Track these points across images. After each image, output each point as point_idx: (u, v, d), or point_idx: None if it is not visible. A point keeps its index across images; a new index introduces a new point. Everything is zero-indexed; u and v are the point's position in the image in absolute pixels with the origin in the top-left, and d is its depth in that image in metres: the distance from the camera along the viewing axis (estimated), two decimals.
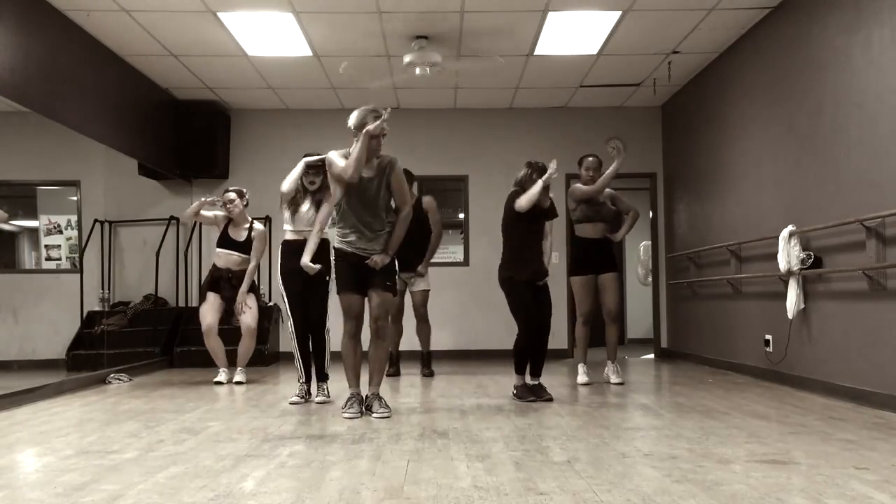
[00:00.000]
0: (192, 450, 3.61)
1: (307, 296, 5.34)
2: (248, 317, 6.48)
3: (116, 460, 3.39)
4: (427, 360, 7.15)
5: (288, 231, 5.51)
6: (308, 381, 5.41)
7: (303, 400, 5.30)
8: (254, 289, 6.63)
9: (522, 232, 5.25)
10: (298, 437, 3.95)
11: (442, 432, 4.04)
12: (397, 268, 4.80)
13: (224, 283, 6.49)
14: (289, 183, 5.55)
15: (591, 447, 3.59)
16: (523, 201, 5.12)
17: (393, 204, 4.68)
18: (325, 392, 5.38)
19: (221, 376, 6.53)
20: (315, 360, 5.48)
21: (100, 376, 6.62)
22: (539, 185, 5.11)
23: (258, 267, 6.66)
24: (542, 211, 5.26)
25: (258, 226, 6.61)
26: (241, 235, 6.51)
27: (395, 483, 2.93)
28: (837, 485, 2.84)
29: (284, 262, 5.40)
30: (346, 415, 4.54)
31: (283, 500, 2.70)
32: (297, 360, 5.44)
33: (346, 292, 4.63)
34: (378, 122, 4.41)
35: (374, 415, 4.54)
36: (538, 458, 3.36)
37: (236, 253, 6.50)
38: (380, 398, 4.67)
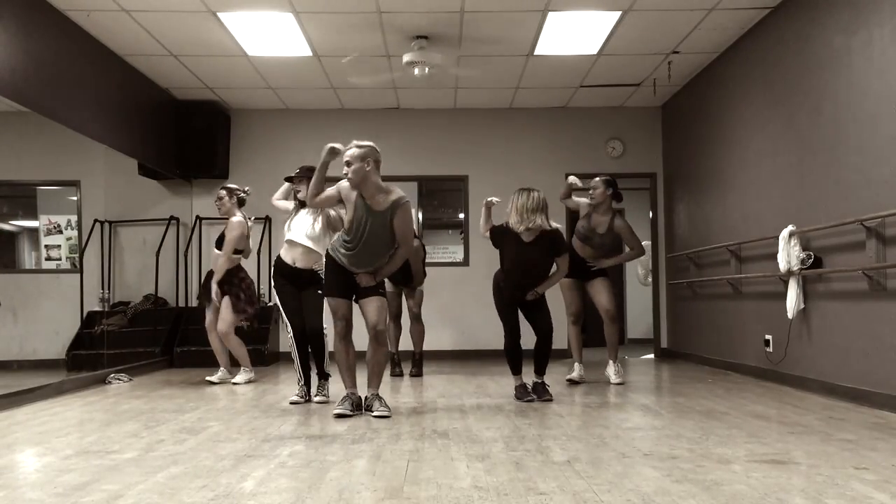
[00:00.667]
0: (192, 450, 3.61)
1: (302, 306, 5.40)
2: (220, 323, 6.40)
3: (116, 460, 3.39)
4: (418, 361, 7.15)
5: (284, 245, 5.49)
6: (307, 383, 5.42)
7: (303, 400, 5.31)
8: (229, 290, 6.38)
9: (512, 257, 5.21)
10: (298, 437, 3.95)
11: (442, 432, 4.04)
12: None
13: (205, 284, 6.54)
14: (278, 194, 5.89)
15: (591, 447, 3.59)
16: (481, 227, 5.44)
17: None
18: (325, 392, 5.39)
19: (215, 376, 6.52)
20: (315, 362, 5.49)
21: (100, 376, 6.62)
22: (482, 212, 5.42)
23: (233, 261, 6.41)
24: (538, 242, 5.16)
25: (233, 218, 6.38)
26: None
27: (395, 483, 2.93)
28: (837, 485, 2.84)
29: (277, 282, 5.45)
30: (336, 411, 4.56)
31: (283, 500, 2.70)
32: (297, 364, 5.44)
33: (333, 296, 4.70)
34: (326, 150, 4.49)
35: (374, 414, 4.54)
36: (538, 458, 3.36)
37: (217, 250, 6.44)
38: (379, 398, 4.68)
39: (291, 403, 5.22)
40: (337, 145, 4.51)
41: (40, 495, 2.81)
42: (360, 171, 4.47)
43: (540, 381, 5.29)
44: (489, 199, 5.45)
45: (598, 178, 6.20)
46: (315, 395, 5.36)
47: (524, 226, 5.05)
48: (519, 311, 5.35)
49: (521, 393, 5.24)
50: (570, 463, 3.24)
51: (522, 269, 5.22)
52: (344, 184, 4.58)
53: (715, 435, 3.87)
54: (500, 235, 5.26)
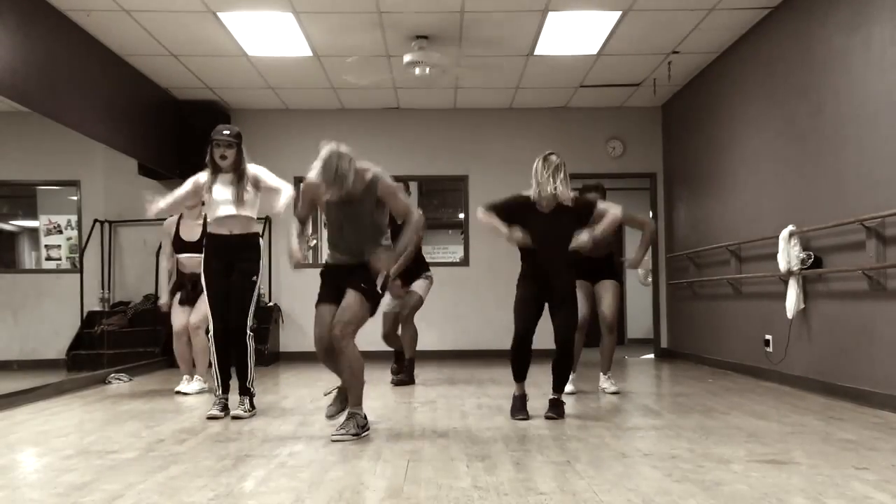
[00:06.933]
0: (192, 450, 3.61)
1: (228, 296, 4.64)
2: (193, 315, 5.86)
3: (116, 460, 3.39)
4: (407, 367, 6.44)
5: (212, 223, 4.75)
6: (226, 392, 4.68)
7: (221, 415, 4.55)
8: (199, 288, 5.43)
9: (531, 233, 4.49)
10: (298, 437, 3.95)
11: (442, 432, 4.04)
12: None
13: (191, 287, 5.87)
14: (167, 203, 4.79)
15: (591, 447, 3.59)
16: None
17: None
18: (246, 406, 4.61)
19: (183, 385, 5.87)
20: (237, 372, 4.69)
21: (100, 376, 6.61)
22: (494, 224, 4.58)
23: None
24: (560, 212, 4.53)
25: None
26: (196, 234, 5.82)
27: (395, 483, 2.93)
28: (837, 485, 2.84)
29: (207, 259, 4.73)
30: (327, 413, 4.11)
31: (283, 500, 2.70)
32: (215, 367, 4.73)
33: (321, 303, 4.04)
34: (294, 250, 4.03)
35: (332, 436, 3.85)
36: (538, 458, 3.36)
37: (198, 255, 5.35)
38: (351, 418, 3.91)
39: (209, 419, 4.49)
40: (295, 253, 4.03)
41: (40, 495, 2.81)
42: (348, 185, 3.86)
43: (557, 397, 4.57)
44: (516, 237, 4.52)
45: (593, 194, 5.59)
46: (234, 409, 4.60)
47: (547, 190, 4.44)
48: (537, 311, 4.58)
49: (517, 407, 4.51)
50: (570, 463, 3.24)
51: (548, 243, 4.48)
52: (309, 183, 4.01)
53: (715, 435, 3.87)
54: (515, 206, 4.55)
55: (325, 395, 4.27)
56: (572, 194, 4.58)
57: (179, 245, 5.94)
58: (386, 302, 5.81)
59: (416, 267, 6.41)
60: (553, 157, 4.57)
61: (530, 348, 4.55)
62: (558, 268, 4.53)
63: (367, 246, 4.01)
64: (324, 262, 4.32)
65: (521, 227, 4.50)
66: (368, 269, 3.96)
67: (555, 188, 4.48)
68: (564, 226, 4.50)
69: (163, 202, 4.80)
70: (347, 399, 4.02)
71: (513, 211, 4.55)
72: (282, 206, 4.66)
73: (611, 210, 4.59)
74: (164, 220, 5.99)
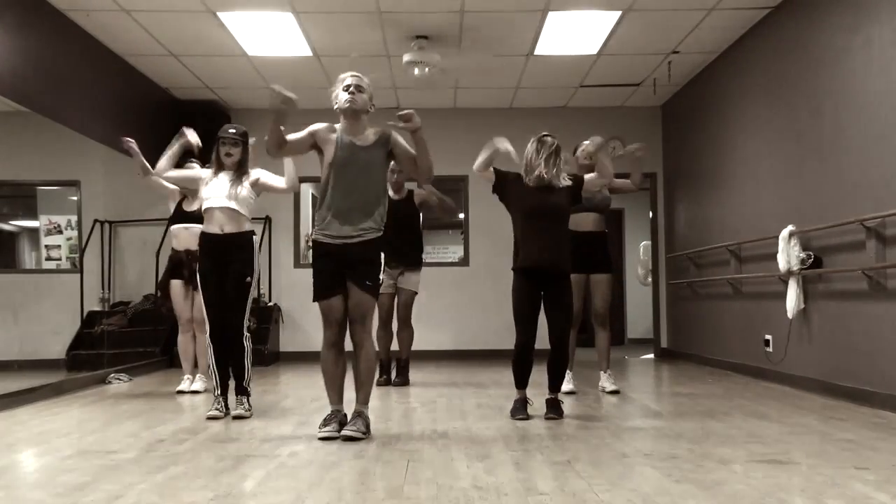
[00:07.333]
0: (192, 450, 3.61)
1: (225, 297, 4.64)
2: (197, 310, 5.69)
3: (116, 460, 3.39)
4: (403, 368, 6.37)
5: (204, 218, 4.78)
6: (224, 392, 4.69)
7: (222, 414, 4.57)
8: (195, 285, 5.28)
9: (528, 205, 4.55)
10: (298, 437, 3.94)
11: (442, 432, 4.03)
12: (384, 262, 4.13)
13: (186, 266, 5.79)
14: (165, 160, 5.29)
15: (591, 447, 3.59)
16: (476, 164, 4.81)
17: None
18: (245, 406, 4.63)
19: (185, 384, 5.87)
20: (233, 372, 4.70)
21: (100, 376, 6.61)
22: (484, 153, 4.84)
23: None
24: (546, 188, 4.53)
25: None
26: (196, 206, 5.61)
27: (395, 483, 2.93)
28: (837, 485, 2.84)
29: (202, 260, 4.74)
30: (321, 434, 3.85)
31: (283, 500, 2.70)
32: (213, 369, 4.72)
33: (325, 297, 3.94)
34: (279, 98, 3.94)
35: (343, 432, 3.84)
36: (538, 458, 3.36)
37: (196, 225, 5.28)
38: (360, 416, 3.94)
39: (209, 419, 4.50)
40: (289, 93, 3.94)
41: (40, 495, 2.81)
42: (366, 104, 4.15)
43: (554, 396, 4.56)
44: (504, 147, 4.69)
45: (588, 142, 5.40)
46: (234, 410, 4.60)
47: (546, 172, 4.49)
48: (536, 313, 4.50)
49: (517, 408, 4.50)
50: (570, 463, 3.24)
51: (543, 217, 4.48)
52: (318, 126, 4.12)
53: (715, 435, 3.87)
54: (506, 181, 4.68)
55: (320, 428, 3.95)
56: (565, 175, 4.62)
57: (179, 215, 6.01)
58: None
59: (413, 251, 6.26)
60: (548, 140, 4.58)
61: (532, 356, 4.52)
62: (550, 243, 4.46)
63: (367, 202, 3.99)
64: (315, 237, 4.05)
65: (512, 200, 4.65)
66: (367, 261, 3.95)
67: (544, 173, 4.52)
68: (555, 200, 4.53)
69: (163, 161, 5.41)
70: (342, 420, 3.98)
71: (505, 178, 4.72)
72: (287, 178, 4.85)
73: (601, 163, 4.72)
74: (166, 220, 6.07)
